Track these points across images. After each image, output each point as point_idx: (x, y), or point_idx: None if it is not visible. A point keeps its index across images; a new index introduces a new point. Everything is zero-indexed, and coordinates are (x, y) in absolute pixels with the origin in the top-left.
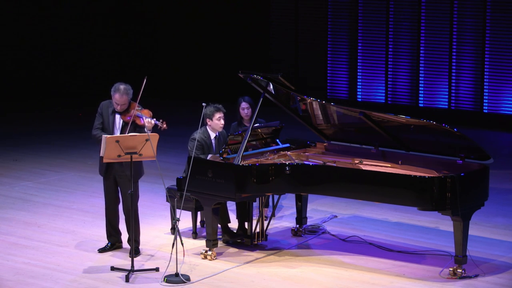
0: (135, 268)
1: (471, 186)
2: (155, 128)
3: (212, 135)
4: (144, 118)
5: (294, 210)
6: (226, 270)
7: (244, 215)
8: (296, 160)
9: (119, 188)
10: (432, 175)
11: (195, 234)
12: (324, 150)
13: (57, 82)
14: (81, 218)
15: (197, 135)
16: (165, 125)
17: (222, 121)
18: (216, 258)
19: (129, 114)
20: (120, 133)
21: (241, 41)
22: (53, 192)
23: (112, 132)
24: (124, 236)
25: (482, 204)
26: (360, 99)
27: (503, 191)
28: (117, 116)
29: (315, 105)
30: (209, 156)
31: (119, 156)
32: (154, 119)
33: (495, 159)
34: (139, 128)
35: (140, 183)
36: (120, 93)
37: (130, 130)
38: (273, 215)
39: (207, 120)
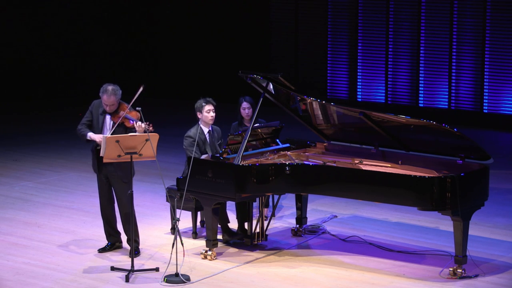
0: (135, 268)
1: (471, 186)
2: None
3: (205, 130)
4: (134, 121)
5: (294, 210)
6: (226, 270)
7: (244, 215)
8: (296, 160)
9: (112, 188)
10: (432, 175)
11: (195, 234)
12: (324, 150)
13: (57, 82)
14: (81, 218)
15: (191, 131)
16: (151, 128)
17: (212, 114)
18: (216, 258)
19: (118, 115)
20: (111, 134)
21: (241, 41)
22: (53, 192)
23: (100, 132)
24: (124, 236)
25: (482, 204)
26: (360, 99)
27: (503, 191)
28: (107, 117)
29: (315, 105)
30: (203, 157)
31: (119, 156)
32: (141, 122)
33: (495, 159)
34: (129, 130)
35: (140, 183)
36: (107, 94)
37: (119, 131)
38: (273, 215)
39: (198, 113)
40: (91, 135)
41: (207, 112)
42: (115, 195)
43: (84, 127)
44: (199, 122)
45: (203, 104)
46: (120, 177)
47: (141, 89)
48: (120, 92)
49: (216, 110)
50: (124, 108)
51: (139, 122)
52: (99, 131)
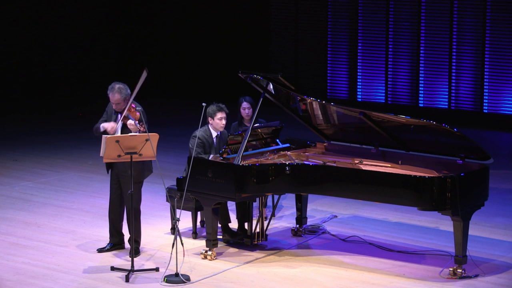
0: (135, 268)
1: (471, 186)
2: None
3: (214, 133)
4: (132, 120)
5: (294, 210)
6: (226, 270)
7: (244, 215)
8: (296, 160)
9: (122, 187)
10: (432, 175)
11: (195, 234)
12: (324, 150)
13: (57, 82)
14: (81, 218)
15: (199, 133)
16: (142, 128)
17: (224, 121)
18: (216, 258)
19: (124, 114)
20: (121, 133)
21: (241, 41)
22: (53, 192)
23: (114, 131)
24: (127, 237)
25: (482, 204)
26: (360, 99)
27: (503, 191)
28: (119, 116)
29: (315, 105)
30: (211, 157)
31: (119, 156)
32: (136, 122)
33: (495, 159)
34: (128, 129)
35: None
36: (112, 92)
37: (123, 131)
38: (273, 215)
39: (209, 118)
40: (103, 124)
41: (219, 120)
42: (123, 195)
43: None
44: (209, 125)
45: (216, 111)
46: (130, 176)
47: (144, 73)
48: (128, 92)
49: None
50: (129, 108)
51: (131, 121)
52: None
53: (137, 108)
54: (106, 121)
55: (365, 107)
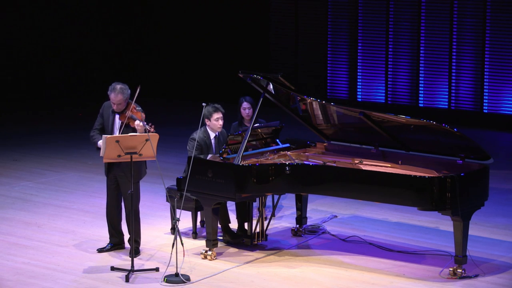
0: (135, 268)
1: (471, 186)
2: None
3: (212, 135)
4: (135, 120)
5: (294, 210)
6: (226, 270)
7: (244, 215)
8: (296, 160)
9: (120, 188)
10: (432, 175)
11: (195, 234)
12: (324, 150)
13: (57, 82)
14: (81, 218)
15: (196, 135)
16: (152, 129)
17: (221, 122)
18: (216, 258)
19: (125, 115)
20: (119, 133)
21: (241, 41)
22: (53, 192)
23: (111, 132)
24: (126, 237)
25: (482, 204)
26: (360, 99)
27: (503, 191)
28: (117, 116)
29: (315, 105)
30: (209, 157)
31: (119, 156)
32: (144, 122)
33: (495, 159)
34: (132, 130)
35: (140, 183)
36: (115, 93)
37: (124, 131)
38: (273, 215)
39: (206, 120)
40: (100, 143)
41: (216, 120)
42: (122, 195)
43: (96, 133)
44: (206, 127)
45: (212, 112)
46: (128, 176)
47: (138, 90)
48: (129, 92)
49: (224, 117)
50: (132, 109)
51: (138, 121)
52: (109, 131)
53: (137, 108)
54: (102, 124)
55: (365, 107)
